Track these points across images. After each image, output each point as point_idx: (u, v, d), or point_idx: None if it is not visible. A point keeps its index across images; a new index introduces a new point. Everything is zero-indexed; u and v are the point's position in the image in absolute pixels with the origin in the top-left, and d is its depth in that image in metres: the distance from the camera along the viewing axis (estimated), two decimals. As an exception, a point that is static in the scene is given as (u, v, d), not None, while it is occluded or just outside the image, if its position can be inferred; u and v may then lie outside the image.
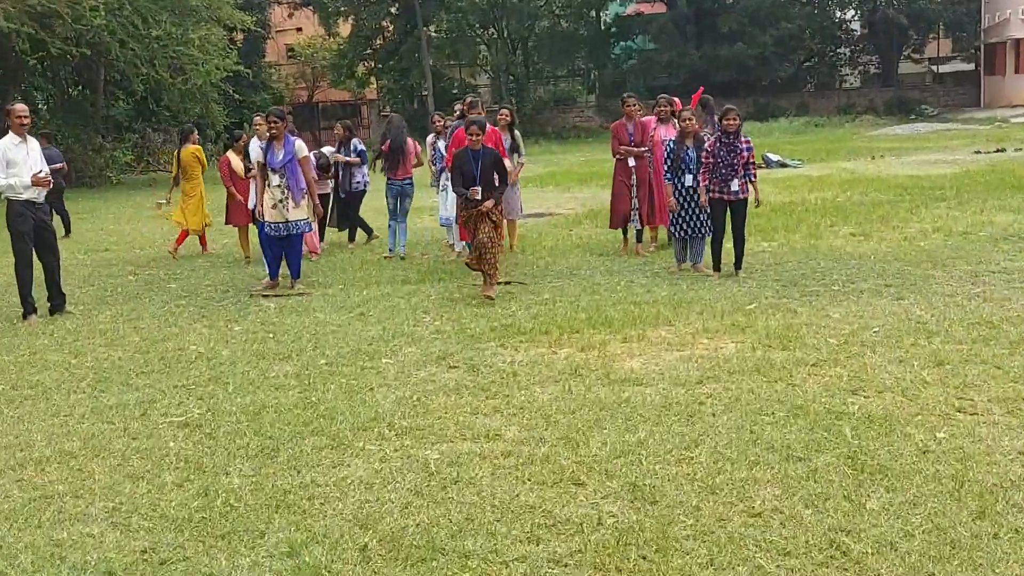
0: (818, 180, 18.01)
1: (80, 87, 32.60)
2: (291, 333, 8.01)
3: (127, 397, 6.41)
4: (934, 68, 46.44)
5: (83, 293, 10.54)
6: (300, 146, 9.88)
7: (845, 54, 45.62)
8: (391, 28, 45.67)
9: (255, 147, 10.38)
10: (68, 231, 16.47)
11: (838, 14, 45.19)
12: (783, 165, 22.57)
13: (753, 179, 9.57)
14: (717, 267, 9.75)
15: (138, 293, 10.37)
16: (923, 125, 34.16)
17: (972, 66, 44.61)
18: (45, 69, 28.87)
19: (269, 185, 9.79)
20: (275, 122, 9.72)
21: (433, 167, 12.31)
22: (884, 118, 40.11)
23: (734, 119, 9.41)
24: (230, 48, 31.46)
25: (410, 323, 8.17)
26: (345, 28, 46.34)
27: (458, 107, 12.24)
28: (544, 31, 45.32)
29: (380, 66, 46.01)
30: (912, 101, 41.74)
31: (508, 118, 11.21)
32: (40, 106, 30.67)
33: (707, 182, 9.55)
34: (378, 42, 45.79)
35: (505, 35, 44.82)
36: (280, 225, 9.79)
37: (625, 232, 11.33)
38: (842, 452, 4.80)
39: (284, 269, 10.22)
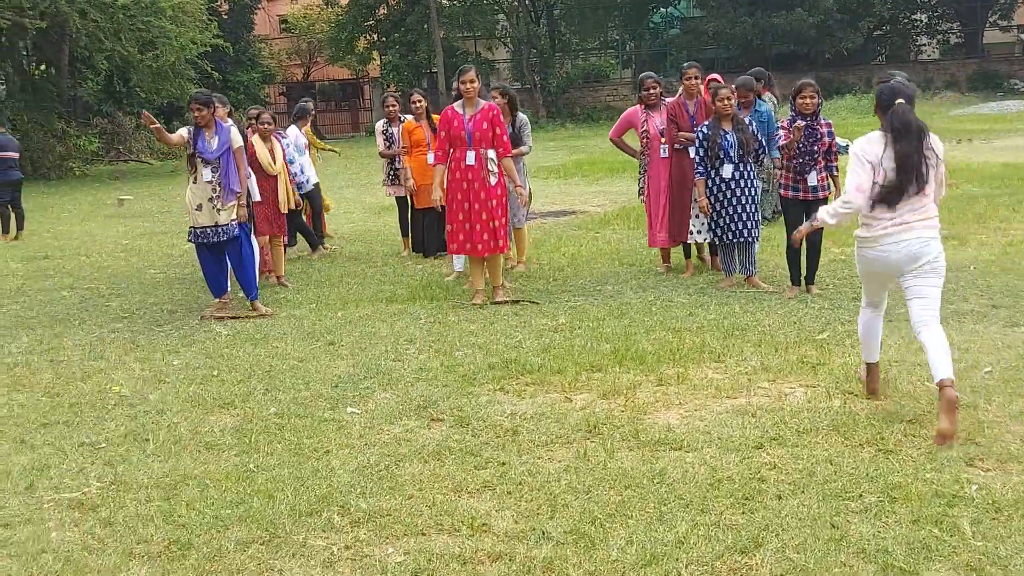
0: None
1: (43, 65, 32.03)
2: (240, 370, 7.16)
3: (15, 461, 5.57)
4: (1024, 37, 45.13)
5: (1, 313, 9.75)
6: (236, 135, 9.04)
7: (922, 21, 44.33)
8: (396, -4, 44.88)
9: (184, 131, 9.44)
10: (20, 229, 15.79)
11: (914, -25, 44.01)
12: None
13: (835, 172, 8.65)
14: (796, 281, 8.82)
15: (68, 314, 9.57)
16: (1013, 103, 33.00)
17: (1069, 34, 43.28)
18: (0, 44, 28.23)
19: (198, 180, 8.93)
20: (199, 109, 8.88)
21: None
22: (967, 94, 38.93)
23: (811, 96, 8.50)
24: (210, 19, 30.81)
25: (389, 357, 7.30)
26: (344, -4, 45.60)
27: (417, 98, 11.37)
28: (574, -1, 44.37)
29: (384, 39, 45.21)
30: (999, 75, 40.52)
31: (502, 100, 10.09)
32: (-1, 86, 30.10)
33: (781, 177, 8.70)
34: (381, 12, 44.97)
35: (527, 2, 43.91)
36: (209, 230, 8.94)
37: (687, 249, 10.14)
38: (962, 560, 3.88)
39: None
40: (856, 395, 5.91)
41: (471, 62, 45.36)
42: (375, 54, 46.41)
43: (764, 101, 10.73)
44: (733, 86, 9.80)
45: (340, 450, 5.44)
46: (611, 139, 10.73)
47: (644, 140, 10.00)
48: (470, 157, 8.84)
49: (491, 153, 8.86)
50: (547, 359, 6.98)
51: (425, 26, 42.32)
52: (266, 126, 10.51)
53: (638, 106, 10.23)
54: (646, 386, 6.33)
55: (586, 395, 6.23)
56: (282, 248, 10.74)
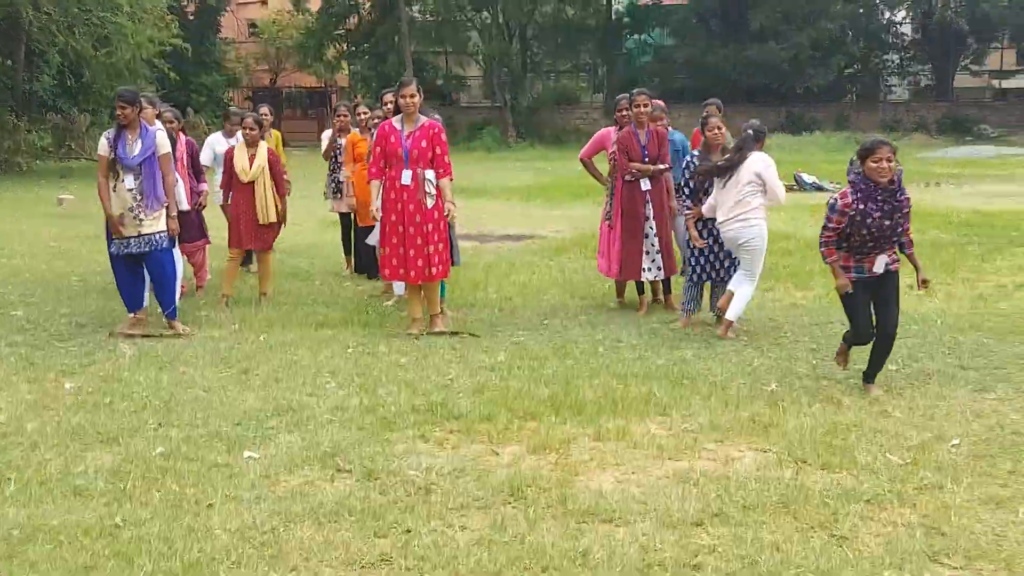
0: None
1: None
2: (135, 399, 6.47)
3: None
4: (996, 83, 45.19)
5: None
6: (162, 140, 8.37)
7: (893, 61, 44.33)
8: (367, 6, 44.26)
9: (103, 141, 8.70)
10: None
11: (887, 15, 43.96)
12: (819, 188, 21.23)
13: (910, 250, 6.78)
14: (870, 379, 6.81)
15: (-33, 323, 8.83)
16: (984, 148, 32.87)
17: (1040, 82, 43.40)
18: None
19: (118, 188, 8.25)
20: (122, 107, 8.21)
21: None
22: (937, 137, 38.84)
23: (889, 159, 6.32)
24: (171, 18, 30.05)
25: (305, 391, 6.65)
26: (315, 3, 44.92)
27: (388, 99, 10.31)
28: (546, 18, 43.89)
29: (353, 49, 44.59)
30: (969, 119, 40.47)
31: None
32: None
33: (837, 257, 6.65)
34: (352, 21, 44.36)
35: (500, 20, 43.43)
36: (131, 241, 8.26)
37: (640, 286, 9.50)
38: None
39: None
40: (810, 464, 5.33)
41: (442, 77, 45.07)
42: (344, 64, 45.74)
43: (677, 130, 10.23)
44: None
45: (225, 504, 4.78)
46: (581, 159, 10.14)
47: (612, 163, 9.40)
48: (406, 176, 8.22)
49: (429, 174, 8.24)
50: (478, 403, 6.35)
51: (396, 38, 41.73)
52: (250, 131, 9.73)
53: (612, 128, 9.69)
54: (582, 441, 5.73)
55: (515, 448, 5.62)
56: (268, 263, 9.98)
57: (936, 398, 6.53)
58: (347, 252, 11.68)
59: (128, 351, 7.75)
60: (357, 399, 6.48)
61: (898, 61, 44.42)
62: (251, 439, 5.68)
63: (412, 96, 8.25)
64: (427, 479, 5.10)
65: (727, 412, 6.23)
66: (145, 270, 8.49)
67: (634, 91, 9.45)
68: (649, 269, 9.15)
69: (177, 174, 9.13)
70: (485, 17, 43.60)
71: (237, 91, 47.65)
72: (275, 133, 11.81)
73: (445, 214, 8.37)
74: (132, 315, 8.59)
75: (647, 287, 9.48)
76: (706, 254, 8.62)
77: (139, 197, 8.26)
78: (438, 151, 8.26)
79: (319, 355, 7.62)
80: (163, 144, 8.39)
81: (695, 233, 8.55)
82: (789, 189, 20.73)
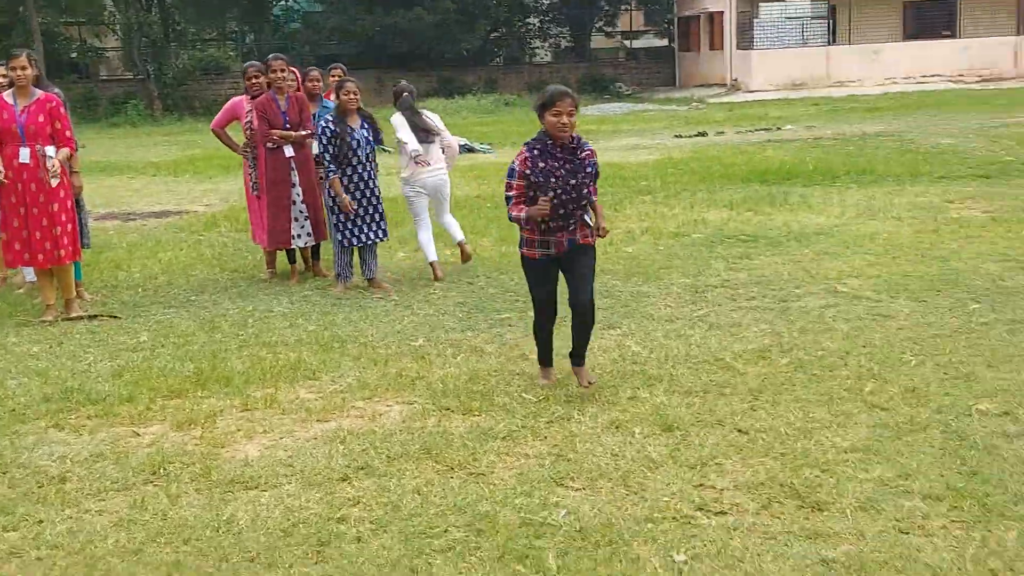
0: (497, 168, 17.22)
1: None
2: None
3: None
4: (628, 43, 48.12)
5: None
6: None
7: (535, 25, 46.15)
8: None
9: None
10: None
11: (527, -20, 45.66)
12: (470, 150, 21.81)
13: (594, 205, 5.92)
14: (549, 362, 6.18)
15: None
16: (618, 105, 34.93)
17: (666, 42, 46.57)
18: None
19: None
20: None
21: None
22: (578, 96, 40.84)
23: (570, 112, 5.75)
24: None
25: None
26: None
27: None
28: (186, -16, 42.33)
29: (-26, 21, 41.08)
30: (606, 78, 42.87)
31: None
32: None
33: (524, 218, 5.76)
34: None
35: (139, -11, 41.43)
36: None
37: (291, 255, 9.42)
38: (546, 603, 3.57)
39: None
40: (452, 411, 5.58)
41: (76, 49, 42.49)
42: (-36, 37, 42.06)
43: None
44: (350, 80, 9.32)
45: None
46: (212, 130, 9.86)
47: (248, 133, 9.27)
48: (24, 155, 7.75)
49: (50, 150, 7.82)
50: (118, 385, 6.16)
51: (21, 8, 38.84)
52: None
53: (244, 96, 9.50)
54: (229, 413, 5.70)
55: (158, 427, 5.51)
56: None
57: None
58: None
59: None
60: (-13, 392, 6.11)
61: (539, 25, 46.22)
62: None
63: (23, 68, 7.76)
64: (62, 468, 4.93)
65: (375, 369, 6.39)
66: None
67: (269, 57, 9.37)
68: (299, 236, 9.12)
69: None
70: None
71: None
72: None
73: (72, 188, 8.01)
74: None
75: (298, 256, 9.44)
76: (353, 219, 8.64)
77: None
78: (58, 126, 7.85)
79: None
80: None
81: (346, 199, 8.52)
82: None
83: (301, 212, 9.09)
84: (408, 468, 4.80)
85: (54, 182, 7.84)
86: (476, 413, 5.54)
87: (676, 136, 22.54)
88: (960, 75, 34.20)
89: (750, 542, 3.99)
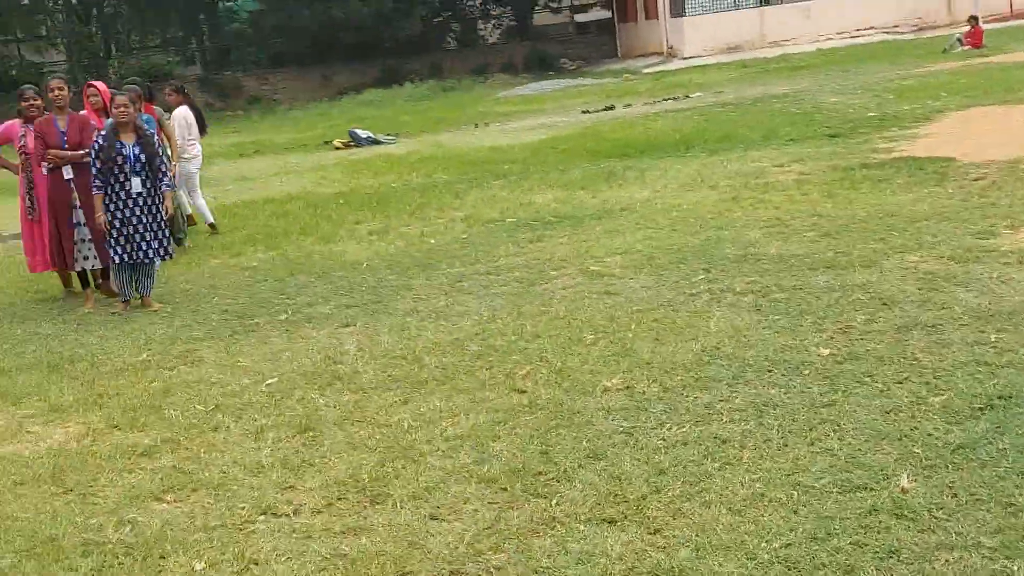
0: (394, 160, 17.33)
1: None
2: None
3: None
4: (574, 17, 48.01)
5: None
6: None
7: (475, 5, 46.07)
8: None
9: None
10: None
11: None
12: (375, 142, 21.89)
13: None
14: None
15: None
16: (555, 82, 34.91)
17: (610, 14, 46.46)
18: None
19: None
20: None
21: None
22: (522, 76, 40.83)
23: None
24: None
25: None
26: None
27: None
28: (121, -6, 42.41)
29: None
30: (552, 55, 42.82)
31: None
32: None
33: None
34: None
35: (72, 2, 41.51)
36: None
37: (84, 278, 9.38)
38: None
39: None
40: (122, 428, 5.69)
41: (15, 66, 42.52)
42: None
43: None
44: (130, 93, 9.40)
45: None
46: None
47: (23, 156, 9.33)
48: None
49: None
50: None
51: (-44, 30, 38.99)
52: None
53: (17, 120, 9.56)
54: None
55: None
56: None
57: (298, 339, 7.08)
58: None
59: None
60: None
61: (480, 4, 46.13)
62: None
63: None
64: None
65: (82, 389, 6.49)
66: None
67: (50, 78, 9.47)
68: (87, 258, 9.14)
69: None
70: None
71: None
72: None
73: None
74: None
75: (90, 277, 9.45)
76: (125, 236, 8.66)
77: None
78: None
79: None
80: None
81: (101, 217, 8.56)
82: (346, 146, 21.67)
83: (87, 235, 9.10)
84: (29, 496, 4.92)
85: None
86: (141, 428, 5.66)
87: (584, 112, 22.54)
88: (895, 25, 34.12)
89: (284, 543, 4.12)
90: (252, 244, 10.93)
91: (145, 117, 10.05)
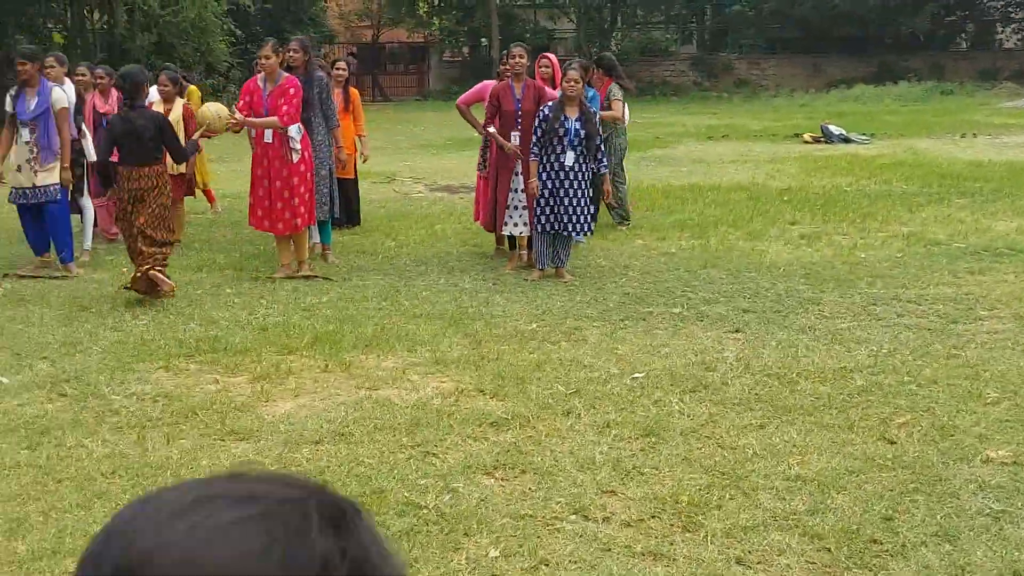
0: (858, 161, 16.48)
1: (102, 16, 32.85)
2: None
3: None
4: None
5: None
6: (58, 95, 9.15)
7: (996, 7, 42.60)
8: (455, -39, 44.87)
9: (8, 98, 9.65)
10: None
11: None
12: (846, 140, 20.96)
13: None
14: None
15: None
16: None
17: None
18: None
19: (17, 141, 9.14)
20: (21, 64, 9.02)
21: None
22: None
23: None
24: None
25: (107, 325, 7.40)
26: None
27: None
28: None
29: (441, 4, 45.26)
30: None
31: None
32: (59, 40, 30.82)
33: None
34: (442, -25, 45.10)
35: (591, -26, 43.47)
36: (27, 191, 9.12)
37: (511, 241, 9.84)
38: None
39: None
40: (486, 394, 5.82)
41: (529, 31, 45.40)
42: (434, 18, 46.50)
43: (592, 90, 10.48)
44: (580, 70, 9.56)
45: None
46: (457, 106, 10.41)
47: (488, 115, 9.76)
48: (267, 134, 8.81)
49: (292, 130, 8.75)
50: (246, 338, 7.00)
51: (482, -7, 42.23)
52: (163, 87, 10.55)
53: (496, 80, 10.02)
54: (306, 372, 6.32)
55: (240, 378, 6.25)
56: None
57: (684, 336, 6.89)
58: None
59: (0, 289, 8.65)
60: (159, 334, 7.21)
61: (1001, 6, 42.60)
62: (10, 367, 6.44)
63: (267, 58, 8.75)
64: (127, 401, 5.79)
65: (468, 348, 6.72)
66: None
67: (512, 45, 9.85)
68: (516, 224, 9.47)
69: (85, 128, 9.99)
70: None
71: (336, 47, 48.92)
72: (192, 89, 12.31)
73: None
74: (38, 258, 9.51)
75: (517, 243, 9.77)
76: (552, 205, 8.90)
77: (34, 150, 9.10)
78: (281, 102, 8.67)
79: (170, 302, 8.34)
80: (59, 100, 9.19)
81: (533, 182, 8.83)
82: (815, 141, 20.94)
83: (521, 201, 9.34)
84: (379, 439, 5.16)
85: (295, 157, 8.88)
86: (503, 397, 5.76)
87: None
88: None
89: (582, 550, 3.98)
90: (680, 230, 10.81)
91: (591, 93, 10.19)
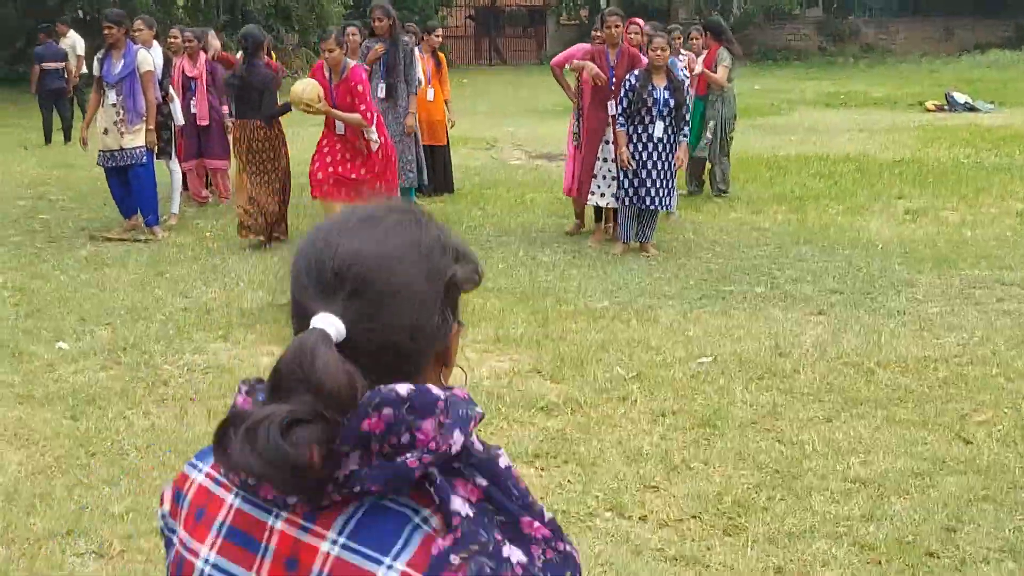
0: (980, 132, 15.62)
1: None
2: (28, 291, 7.38)
3: None
4: None
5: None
6: (144, 58, 9.15)
7: None
8: (575, -78, 44.22)
9: (95, 61, 9.68)
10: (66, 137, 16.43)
11: None
12: (971, 109, 19.95)
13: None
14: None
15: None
16: None
17: None
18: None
19: (104, 104, 9.18)
20: (108, 27, 9.03)
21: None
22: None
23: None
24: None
25: (178, 292, 7.38)
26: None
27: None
28: (762, -71, 42.41)
29: (559, -34, 44.77)
30: None
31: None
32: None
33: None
34: (559, -64, 44.52)
35: (712, -67, 42.34)
36: (115, 154, 9.16)
37: (597, 213, 9.34)
38: None
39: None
40: (543, 374, 5.59)
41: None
42: (552, -19, 46.02)
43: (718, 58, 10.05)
44: (668, 36, 9.16)
45: None
46: (551, 67, 10.04)
47: (579, 82, 9.40)
48: (339, 126, 8.40)
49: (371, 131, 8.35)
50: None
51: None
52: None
53: (589, 44, 9.63)
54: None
55: (275, 348, 6.12)
56: None
57: (763, 319, 6.55)
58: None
59: (84, 252, 8.71)
60: (222, 296, 7.16)
61: None
62: (72, 333, 6.44)
63: (331, 50, 8.32)
64: (180, 372, 5.73)
65: (532, 326, 6.48)
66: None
67: (605, 11, 9.47)
68: (604, 195, 9.12)
69: (173, 91, 10.02)
70: (693, -70, 42.64)
71: (454, 9, 48.86)
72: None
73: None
74: (127, 221, 9.59)
75: (604, 215, 9.38)
76: (639, 178, 8.54)
77: (121, 112, 9.13)
78: (356, 102, 8.22)
79: (236, 261, 8.30)
80: (144, 62, 9.18)
81: (625, 153, 8.50)
82: (938, 109, 19.98)
83: (610, 171, 9.02)
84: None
85: (374, 146, 8.41)
86: (560, 380, 5.52)
87: None
88: None
89: (603, 547, 3.73)
90: (777, 203, 10.36)
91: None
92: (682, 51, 11.12)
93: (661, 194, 8.51)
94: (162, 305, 7.04)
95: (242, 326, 6.58)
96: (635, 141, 8.53)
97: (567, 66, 9.37)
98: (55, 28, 18.19)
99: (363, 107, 8.27)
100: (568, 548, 1.16)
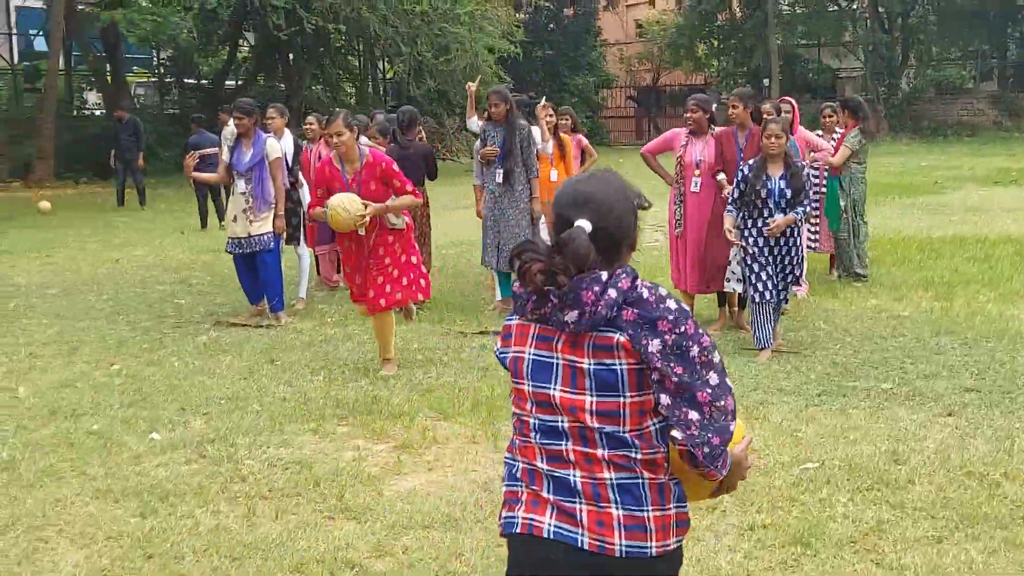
0: None
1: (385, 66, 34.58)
2: (140, 378, 7.43)
3: None
4: None
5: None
6: (272, 146, 9.27)
7: None
8: (736, 1, 43.93)
9: (225, 148, 9.87)
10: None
11: None
12: None
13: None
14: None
15: (126, 308, 10.24)
16: None
17: None
18: (304, 49, 30.22)
19: (234, 192, 9.34)
20: (240, 118, 9.19)
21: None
22: None
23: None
24: (518, 27, 31.83)
25: (280, 381, 7.30)
26: (696, 1, 45.30)
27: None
28: (933, 4, 41.19)
29: (721, 46, 44.48)
30: None
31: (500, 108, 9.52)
32: (314, 87, 32.68)
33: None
34: (722, 18, 44.28)
35: (880, 10, 41.36)
36: (243, 241, 9.27)
37: (721, 297, 8.98)
38: None
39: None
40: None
41: (812, 70, 43.76)
42: (712, 60, 45.80)
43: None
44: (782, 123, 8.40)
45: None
46: (642, 154, 9.68)
47: (678, 168, 9.06)
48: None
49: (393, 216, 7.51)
50: (409, 401, 6.71)
51: (763, 32, 41.08)
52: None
53: (683, 129, 9.28)
54: (452, 441, 5.94)
55: (383, 445, 5.95)
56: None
57: (882, 419, 6.03)
58: None
59: (204, 338, 8.78)
60: (312, 386, 7.06)
61: None
62: (168, 423, 6.41)
63: (340, 134, 7.33)
64: (262, 467, 5.60)
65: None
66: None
67: (736, 91, 9.21)
68: (728, 280, 8.47)
69: (302, 176, 10.17)
70: (861, 6, 41.81)
71: (614, 90, 49.15)
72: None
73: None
74: (254, 307, 9.69)
75: (728, 300, 8.93)
76: (767, 269, 7.80)
77: (250, 200, 9.27)
78: (396, 184, 7.42)
79: (349, 348, 8.22)
80: (273, 149, 9.32)
81: (736, 240, 7.92)
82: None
83: (731, 256, 8.57)
84: (470, 528, 4.69)
85: (400, 224, 7.57)
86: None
87: None
88: None
89: None
90: (922, 288, 9.71)
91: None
92: (836, 128, 10.72)
93: (779, 288, 7.91)
94: (263, 394, 6.98)
95: (335, 417, 6.44)
96: (755, 236, 7.84)
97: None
98: (218, 116, 18.98)
99: (408, 186, 7.48)
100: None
